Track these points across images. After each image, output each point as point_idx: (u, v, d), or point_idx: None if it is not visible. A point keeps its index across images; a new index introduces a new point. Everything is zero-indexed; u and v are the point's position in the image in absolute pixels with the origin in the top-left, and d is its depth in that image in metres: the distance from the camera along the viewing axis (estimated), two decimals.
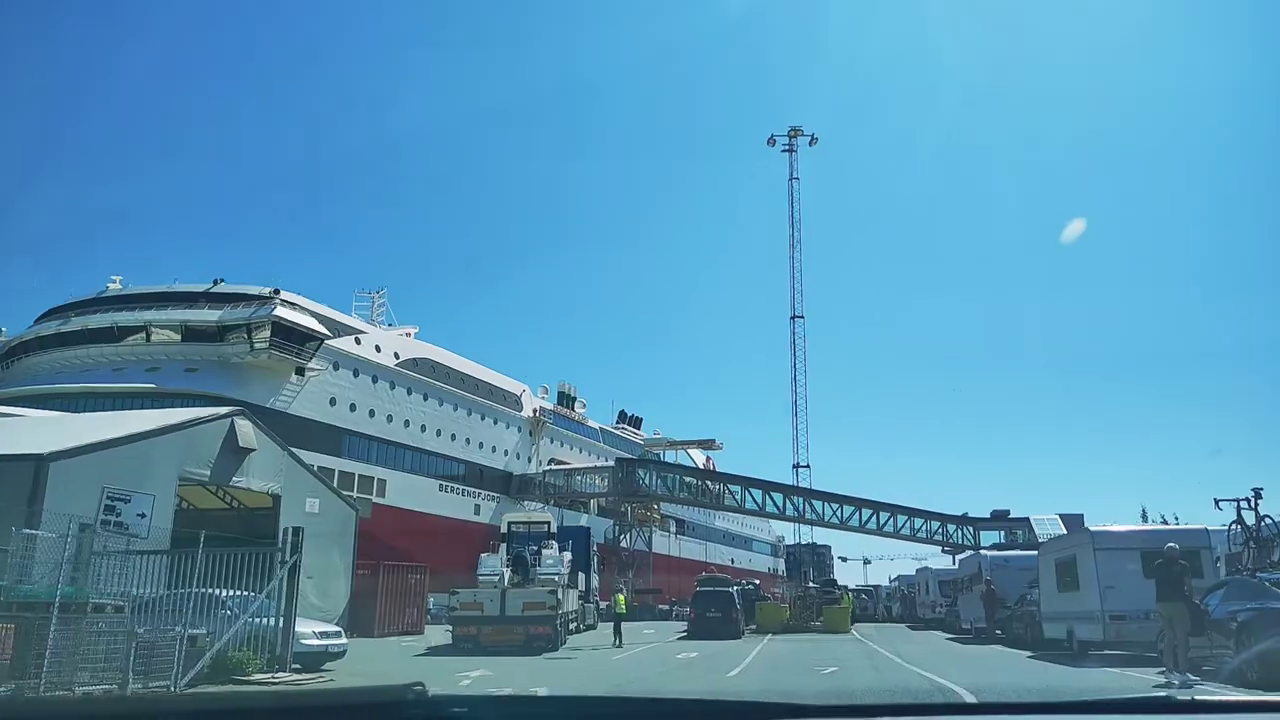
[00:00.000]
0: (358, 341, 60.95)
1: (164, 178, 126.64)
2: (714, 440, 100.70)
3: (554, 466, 77.99)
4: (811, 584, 45.98)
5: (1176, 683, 13.48)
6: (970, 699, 3.10)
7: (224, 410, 26.44)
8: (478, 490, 70.49)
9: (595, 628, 37.60)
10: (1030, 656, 22.61)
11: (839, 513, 68.99)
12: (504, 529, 34.36)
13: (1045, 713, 2.75)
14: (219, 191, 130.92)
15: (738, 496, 71.04)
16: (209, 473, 24.84)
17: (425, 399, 65.88)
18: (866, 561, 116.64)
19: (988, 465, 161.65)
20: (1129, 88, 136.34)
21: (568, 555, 32.42)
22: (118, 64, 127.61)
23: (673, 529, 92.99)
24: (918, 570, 52.97)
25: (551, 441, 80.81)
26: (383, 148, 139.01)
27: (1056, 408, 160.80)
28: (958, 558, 64.17)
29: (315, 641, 18.29)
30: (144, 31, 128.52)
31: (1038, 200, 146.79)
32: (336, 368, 58.21)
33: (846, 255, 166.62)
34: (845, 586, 61.61)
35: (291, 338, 53.57)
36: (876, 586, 70.60)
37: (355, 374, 59.85)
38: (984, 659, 23.12)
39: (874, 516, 69.72)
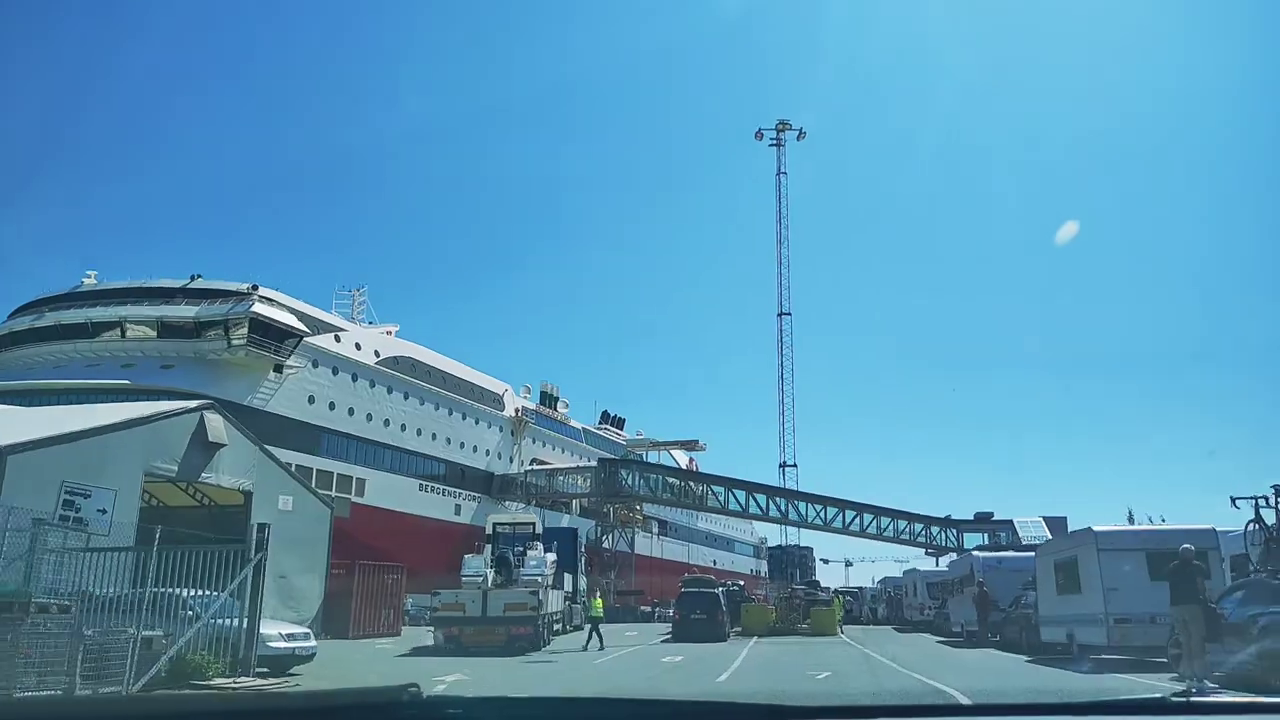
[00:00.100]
0: (337, 339, 60.10)
1: (142, 175, 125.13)
2: (697, 441, 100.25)
3: (536, 467, 77.35)
4: (798, 585, 45.43)
5: (1194, 689, 12.86)
6: (965, 701, 3.03)
7: (193, 404, 25.38)
8: (459, 490, 69.76)
9: (582, 628, 36.83)
10: (1029, 661, 22.03)
11: (822, 514, 68.69)
12: (489, 530, 34.32)
13: (1041, 714, 2.71)
14: (199, 189, 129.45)
15: (721, 497, 70.62)
16: (177, 468, 23.92)
17: (406, 398, 65.09)
18: (848, 563, 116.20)
19: (970, 467, 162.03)
20: (1127, 88, 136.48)
21: (551, 556, 32.30)
22: (102, 60, 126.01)
23: (655, 530, 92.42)
24: (905, 572, 52.50)
25: (533, 441, 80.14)
26: (366, 147, 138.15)
27: (1041, 410, 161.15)
28: (942, 560, 64.01)
29: (282, 644, 17.49)
30: (127, 27, 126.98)
31: (1032, 200, 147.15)
32: (315, 365, 57.34)
33: (835, 256, 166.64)
34: (828, 588, 61.24)
35: (269, 334, 52.68)
36: (860, 588, 70.20)
37: (334, 372, 59.00)
38: (982, 663, 22.53)
39: (857, 518, 69.47)
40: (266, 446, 29.16)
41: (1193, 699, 2.64)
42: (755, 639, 32.95)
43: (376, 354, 63.24)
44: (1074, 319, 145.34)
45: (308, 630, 19.48)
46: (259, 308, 52.31)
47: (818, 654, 24.71)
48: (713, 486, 71.60)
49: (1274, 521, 18.94)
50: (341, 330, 61.47)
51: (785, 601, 39.73)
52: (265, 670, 16.00)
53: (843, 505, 68.92)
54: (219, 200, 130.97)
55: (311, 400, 56.86)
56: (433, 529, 63.01)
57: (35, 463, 19.07)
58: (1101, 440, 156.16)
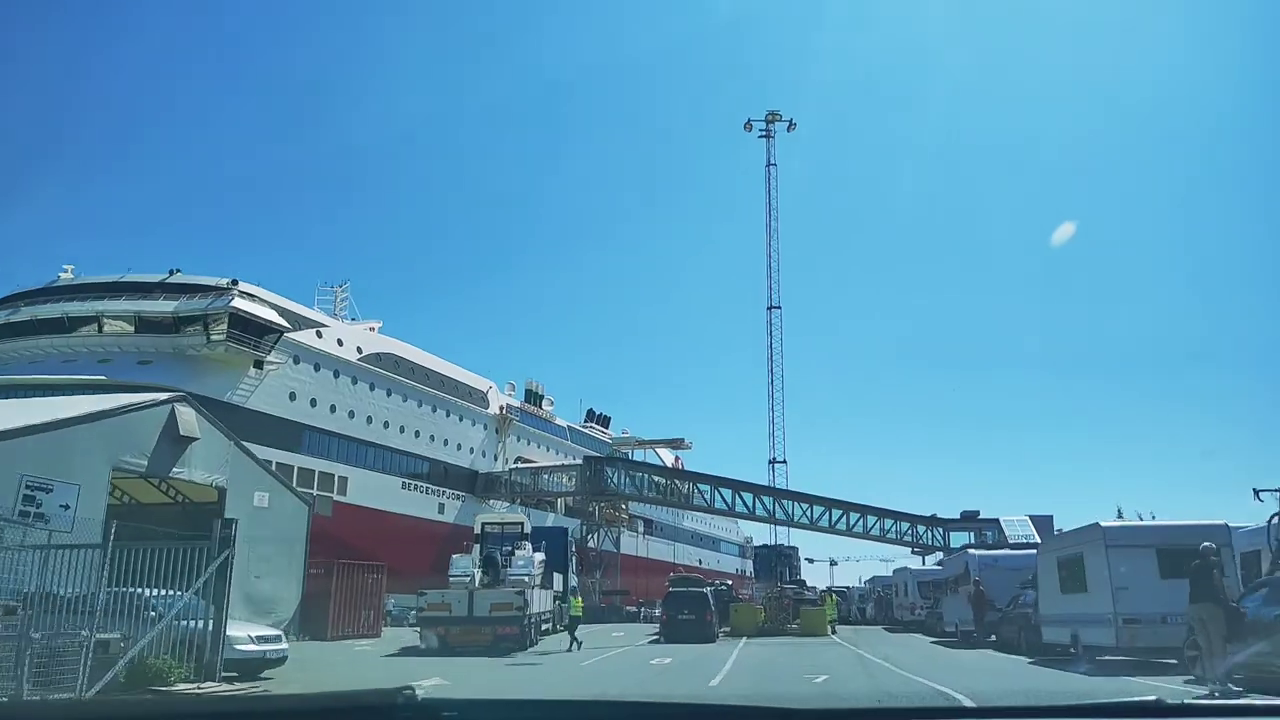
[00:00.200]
0: (319, 335, 59.26)
1: (123, 171, 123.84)
2: (683, 440, 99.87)
3: (520, 465, 76.67)
4: (788, 584, 44.86)
5: (1217, 692, 12.29)
6: (968, 703, 2.98)
7: (163, 396, 24.55)
8: (442, 489, 69.06)
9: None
10: (1031, 662, 21.43)
11: (808, 513, 68.14)
12: (478, 530, 34.44)
13: (1044, 716, 2.73)
14: (181, 187, 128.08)
15: (707, 496, 69.99)
16: (146, 463, 23.03)
17: (389, 395, 64.31)
18: (833, 563, 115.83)
19: (957, 466, 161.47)
20: (1124, 88, 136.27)
21: (540, 556, 32.25)
22: (86, 58, 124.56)
23: (641, 529, 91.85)
24: (895, 571, 51.98)
25: (518, 439, 79.51)
26: (352, 144, 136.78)
27: (1030, 409, 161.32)
28: (929, 559, 63.77)
29: (251, 647, 16.70)
30: (112, 25, 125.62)
31: (1028, 200, 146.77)
32: (297, 361, 56.51)
33: (828, 256, 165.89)
34: (814, 587, 60.82)
35: (249, 330, 51.82)
36: (847, 588, 69.71)
37: (316, 368, 58.18)
38: (983, 665, 21.92)
39: (844, 517, 68.95)
40: (243, 442, 28.33)
41: (1187, 702, 2.59)
42: (744, 640, 32.33)
43: (359, 350, 62.46)
44: (1066, 319, 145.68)
45: (279, 632, 18.62)
46: (239, 303, 51.48)
47: (811, 655, 24.10)
48: (699, 485, 71.00)
49: None
50: (323, 326, 60.64)
51: (774, 601, 39.13)
52: (234, 675, 15.27)
53: (829, 504, 68.39)
54: (201, 198, 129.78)
55: (292, 397, 56.07)
56: (416, 528, 62.39)
57: None
58: (1090, 440, 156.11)
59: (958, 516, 70.62)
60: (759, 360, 73.72)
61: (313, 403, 57.55)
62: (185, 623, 14.37)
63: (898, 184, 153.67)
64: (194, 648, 14.49)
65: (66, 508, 18.34)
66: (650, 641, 32.07)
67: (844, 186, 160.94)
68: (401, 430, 65.34)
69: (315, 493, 54.16)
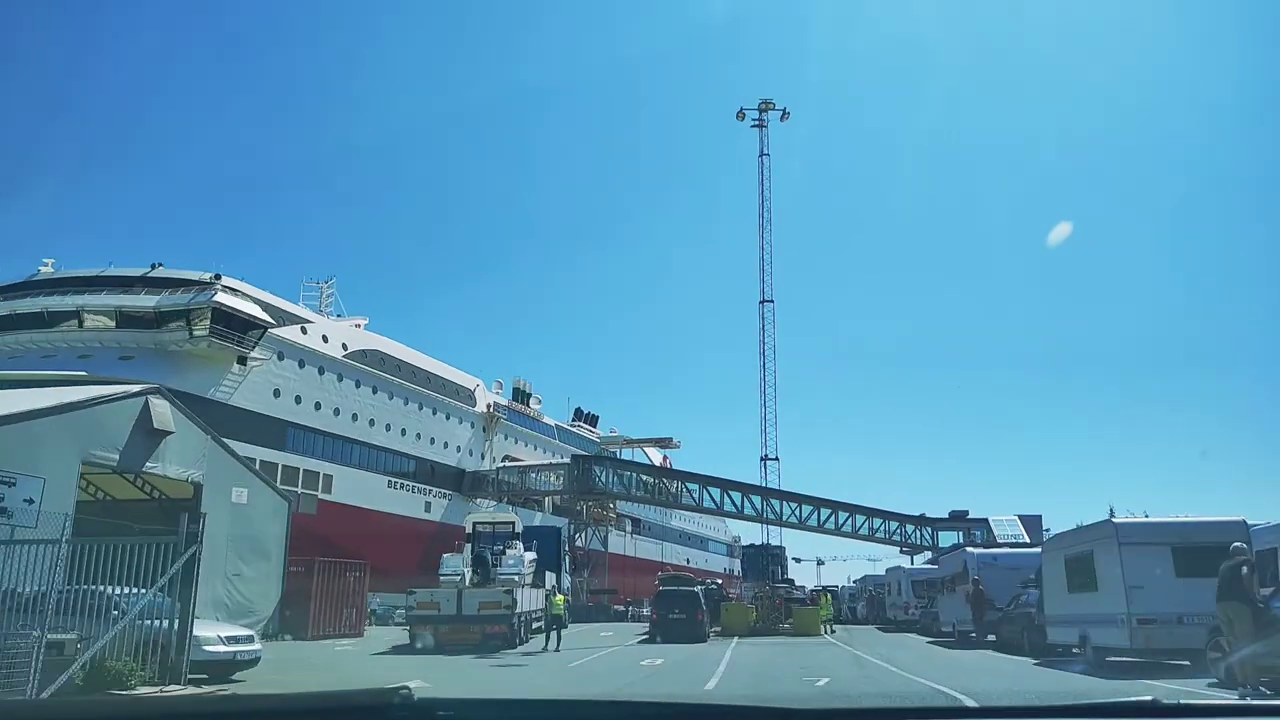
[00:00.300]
0: (304, 331, 58.53)
1: (108, 167, 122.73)
2: (671, 439, 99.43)
3: (508, 463, 76.04)
4: (781, 583, 44.34)
5: (1249, 695, 11.74)
6: (970, 703, 2.94)
7: (136, 387, 23.64)
8: (429, 487, 68.42)
9: (566, 626, 37.18)
10: (1037, 663, 20.81)
11: (797, 512, 67.73)
12: (469, 529, 34.60)
13: (1045, 716, 2.73)
14: (171, 185, 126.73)
15: (695, 495, 69.53)
16: (118, 457, 22.20)
17: (374, 392, 63.63)
18: (820, 562, 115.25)
19: (946, 465, 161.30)
20: (1121, 87, 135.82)
21: (531, 555, 32.45)
22: (74, 57, 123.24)
23: (628, 528, 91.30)
24: (888, 569, 51.52)
25: (506, 438, 78.95)
26: (342, 144, 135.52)
27: (1023, 409, 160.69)
28: (917, 558, 63.41)
29: (221, 648, 15.93)
30: (99, 22, 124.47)
31: (1025, 199, 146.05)
32: (281, 358, 55.83)
33: (821, 255, 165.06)
34: (803, 586, 60.45)
35: (233, 325, 51.08)
36: (837, 587, 69.31)
37: (301, 365, 57.48)
38: (986, 665, 21.32)
39: (832, 516, 68.63)
40: (220, 437, 27.53)
41: (1183, 702, 2.55)
42: (736, 640, 31.72)
43: (344, 347, 61.78)
44: (1059, 318, 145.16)
45: (251, 632, 17.79)
46: (222, 297, 50.74)
47: (808, 656, 23.51)
48: (687, 484, 70.56)
49: None
50: (308, 322, 59.88)
51: (766, 601, 38.56)
52: (203, 677, 14.56)
53: (818, 503, 68.00)
54: (189, 197, 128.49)
55: (277, 394, 55.42)
56: (402, 527, 61.81)
57: None
58: (1082, 440, 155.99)
59: (946, 516, 70.41)
60: (750, 361, 73.45)
61: (297, 400, 56.90)
62: (150, 622, 13.65)
63: (891, 183, 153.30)
64: (159, 649, 13.78)
65: (30, 502, 17.60)
66: (640, 641, 31.47)
67: (838, 186, 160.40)
68: (387, 428, 64.70)
69: (300, 491, 53.60)
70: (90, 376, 46.45)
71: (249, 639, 17.08)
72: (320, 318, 62.99)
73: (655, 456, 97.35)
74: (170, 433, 23.41)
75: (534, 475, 74.76)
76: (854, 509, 69.23)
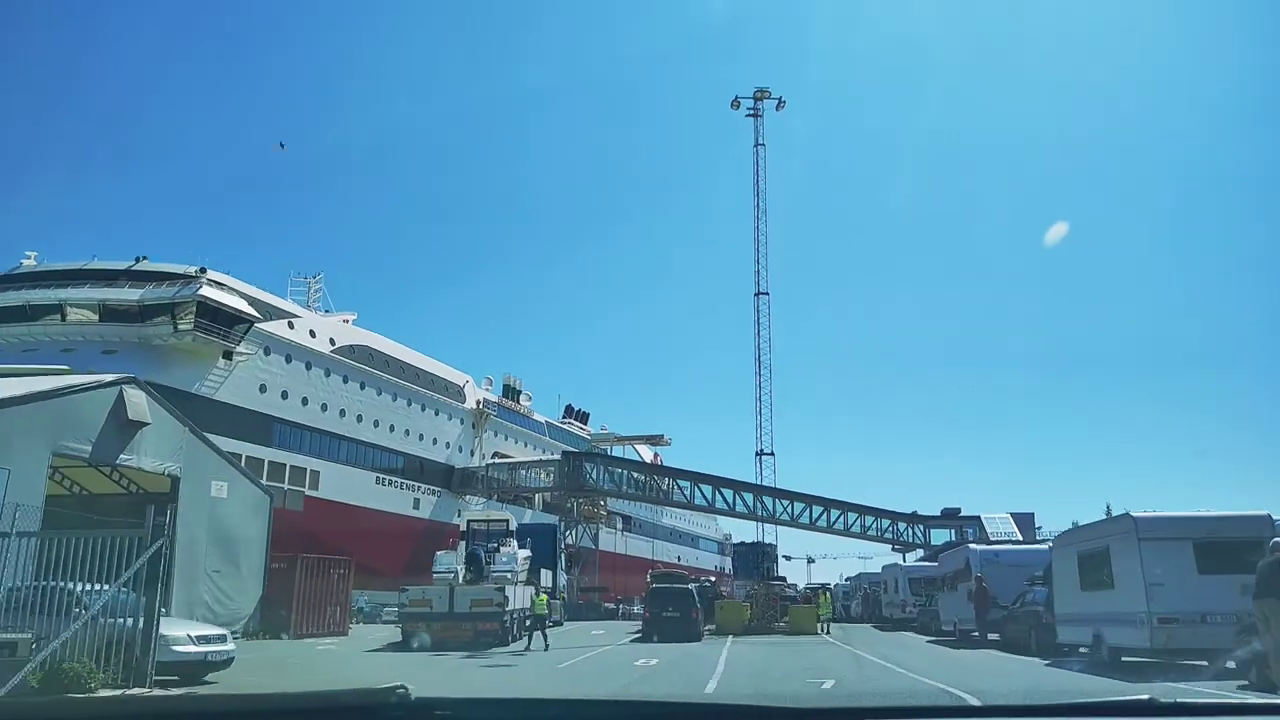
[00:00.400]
0: (291, 326, 57.85)
1: (93, 162, 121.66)
2: (662, 436, 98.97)
3: (498, 460, 75.47)
4: (776, 580, 43.83)
5: None
6: (974, 702, 2.85)
7: (109, 377, 22.81)
8: (417, 484, 67.82)
9: (562, 624, 38.07)
10: (1047, 664, 20.17)
11: (789, 509, 67.30)
12: (463, 527, 34.91)
13: (1047, 716, 2.74)
14: (162, 183, 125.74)
15: (686, 492, 69.02)
16: (90, 448, 21.41)
17: (362, 388, 62.98)
18: (810, 560, 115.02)
19: (938, 463, 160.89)
20: (1119, 87, 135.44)
21: (525, 553, 32.56)
22: (66, 54, 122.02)
23: (619, 526, 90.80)
24: (884, 567, 50.95)
25: (495, 434, 78.51)
26: (334, 143, 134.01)
27: (1018, 408, 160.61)
28: (909, 555, 63.02)
29: (191, 648, 15.10)
30: (88, 18, 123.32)
31: (1022, 199, 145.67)
32: (268, 353, 55.18)
33: (814, 254, 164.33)
34: (795, 584, 59.99)
35: (218, 319, 50.41)
36: (830, 585, 68.87)
37: (288, 360, 56.80)
38: (994, 666, 20.68)
39: (824, 514, 68.23)
40: (201, 430, 26.69)
41: (1186, 701, 2.53)
42: (731, 638, 31.08)
43: (332, 342, 61.11)
44: (1056, 318, 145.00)
45: (223, 631, 16.87)
46: (207, 291, 50.04)
47: (807, 656, 22.90)
48: (679, 481, 70.05)
49: None
50: (295, 317, 59.21)
51: (762, 599, 37.98)
52: (173, 679, 13.86)
53: (810, 500, 67.57)
54: (180, 195, 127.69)
55: (263, 389, 54.77)
56: (390, 524, 61.29)
57: None
58: (1077, 439, 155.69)
59: (938, 514, 70.13)
60: (744, 360, 72.71)
61: (284, 395, 56.28)
62: (114, 621, 12.95)
63: (889, 182, 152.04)
64: (123, 649, 13.05)
65: None
66: (632, 640, 30.85)
67: (836, 185, 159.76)
68: (376, 424, 64.10)
69: (286, 487, 52.99)
70: (71, 371, 46.04)
71: (221, 638, 16.27)
72: (308, 313, 62.33)
73: (646, 454, 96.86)
74: (146, 424, 22.58)
75: (524, 472, 74.20)
76: (846, 506, 68.88)
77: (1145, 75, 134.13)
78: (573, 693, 14.78)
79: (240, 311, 51.85)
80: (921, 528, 69.43)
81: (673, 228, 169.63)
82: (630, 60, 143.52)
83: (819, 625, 35.01)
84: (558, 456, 74.05)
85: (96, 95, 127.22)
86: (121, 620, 12.97)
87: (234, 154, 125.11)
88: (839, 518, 68.81)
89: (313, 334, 59.55)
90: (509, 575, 29.85)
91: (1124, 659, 18.24)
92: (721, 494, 67.41)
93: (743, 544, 71.86)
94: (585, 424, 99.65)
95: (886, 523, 69.60)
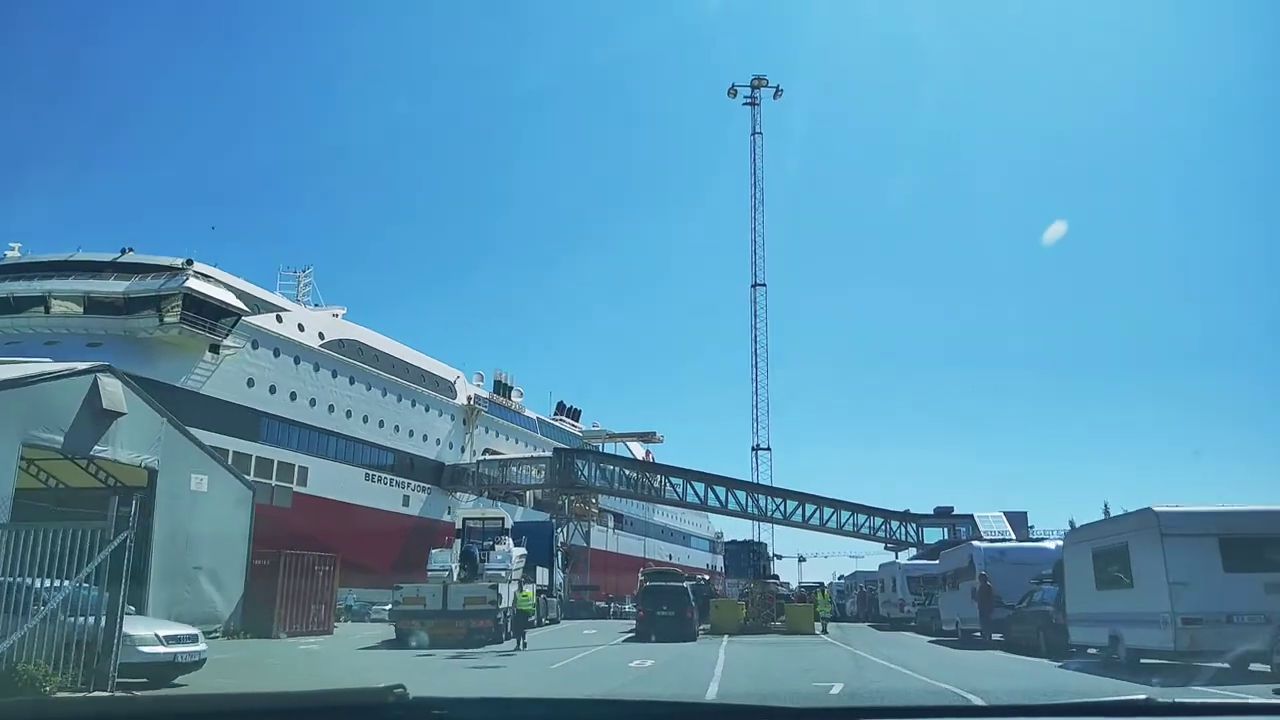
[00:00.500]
0: (279, 319, 57.13)
1: (82, 156, 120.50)
2: (654, 433, 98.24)
3: (489, 457, 74.81)
4: (772, 578, 43.27)
5: None
6: (978, 701, 2.99)
7: (83, 365, 21.93)
8: (407, 480, 67.12)
9: (558, 622, 38.81)
10: (1060, 666, 19.53)
11: (782, 508, 66.86)
12: (459, 525, 35.31)
13: (1049, 715, 2.77)
14: (155, 180, 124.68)
15: (679, 490, 68.49)
16: (63, 439, 20.61)
17: (352, 383, 62.27)
18: (801, 559, 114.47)
19: (931, 462, 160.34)
20: (1117, 86, 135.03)
21: (520, 551, 32.86)
22: (60, 50, 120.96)
23: (611, 524, 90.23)
24: (881, 565, 50.39)
25: (486, 431, 77.90)
26: (329, 142, 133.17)
27: (1013, 406, 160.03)
28: (902, 554, 62.57)
29: (158, 648, 14.26)
30: (78, 15, 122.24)
31: (1020, 198, 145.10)
32: (255, 346, 54.44)
33: (811, 253, 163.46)
34: (788, 583, 59.59)
35: (204, 312, 49.71)
36: (824, 583, 68.43)
37: (276, 354, 56.07)
38: (1009, 669, 20.00)
39: (817, 512, 67.88)
40: (180, 422, 25.85)
41: (1180, 700, 2.63)
42: (726, 638, 30.38)
43: (321, 336, 60.42)
44: (1053, 317, 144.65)
45: (194, 630, 15.97)
46: (193, 283, 49.34)
47: (807, 657, 22.27)
48: (671, 479, 69.52)
49: None
50: (284, 310, 58.48)
51: (758, 598, 37.34)
52: (142, 680, 13.13)
53: (803, 498, 67.19)
54: (174, 194, 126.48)
55: (251, 383, 54.05)
56: (380, 520, 60.63)
57: None
58: (1074, 438, 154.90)
59: (931, 512, 69.86)
60: (739, 359, 71.94)
61: (272, 390, 55.57)
62: (74, 619, 12.19)
63: (887, 180, 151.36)
64: (83, 649, 12.29)
65: None
66: (625, 640, 30.19)
67: (834, 184, 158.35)
68: (365, 420, 63.40)
69: (274, 483, 52.41)
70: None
71: (192, 638, 15.45)
72: (297, 306, 61.69)
73: (638, 451, 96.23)
74: (122, 414, 21.75)
75: (515, 469, 73.53)
76: (838, 504, 68.61)
77: (1145, 75, 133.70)
78: (566, 695, 14.18)
79: (227, 304, 51.18)
80: (914, 526, 69.17)
81: (668, 224, 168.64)
82: (619, 58, 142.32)
83: (817, 625, 34.43)
84: (549, 453, 73.40)
85: (92, 94, 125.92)
86: (82, 619, 12.21)
87: (229, 151, 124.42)
88: (831, 516, 68.51)
89: (301, 328, 58.87)
90: (503, 573, 29.93)
91: (1142, 661, 17.57)
92: (714, 491, 66.94)
93: (734, 542, 71.21)
94: (577, 421, 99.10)
95: (879, 521, 69.36)
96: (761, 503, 66.26)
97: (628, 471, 73.33)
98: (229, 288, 52.38)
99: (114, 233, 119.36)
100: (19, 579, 11.92)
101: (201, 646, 15.43)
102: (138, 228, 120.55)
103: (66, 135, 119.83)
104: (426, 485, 68.90)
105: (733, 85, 66.09)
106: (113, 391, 21.30)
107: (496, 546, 31.68)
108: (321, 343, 60.06)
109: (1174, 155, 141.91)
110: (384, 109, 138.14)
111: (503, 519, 36.01)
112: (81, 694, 11.38)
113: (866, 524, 69.18)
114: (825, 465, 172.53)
